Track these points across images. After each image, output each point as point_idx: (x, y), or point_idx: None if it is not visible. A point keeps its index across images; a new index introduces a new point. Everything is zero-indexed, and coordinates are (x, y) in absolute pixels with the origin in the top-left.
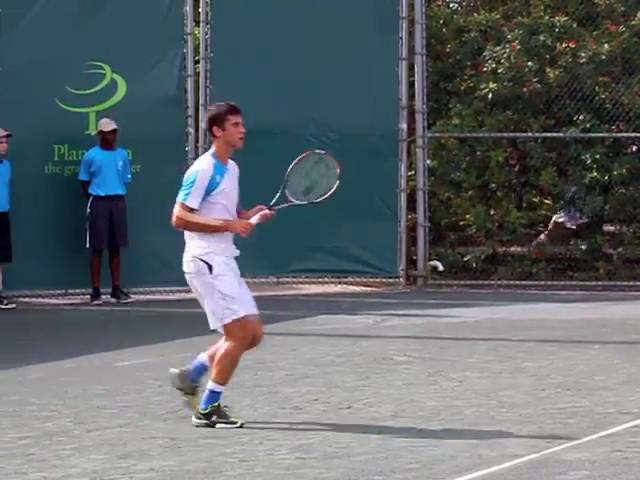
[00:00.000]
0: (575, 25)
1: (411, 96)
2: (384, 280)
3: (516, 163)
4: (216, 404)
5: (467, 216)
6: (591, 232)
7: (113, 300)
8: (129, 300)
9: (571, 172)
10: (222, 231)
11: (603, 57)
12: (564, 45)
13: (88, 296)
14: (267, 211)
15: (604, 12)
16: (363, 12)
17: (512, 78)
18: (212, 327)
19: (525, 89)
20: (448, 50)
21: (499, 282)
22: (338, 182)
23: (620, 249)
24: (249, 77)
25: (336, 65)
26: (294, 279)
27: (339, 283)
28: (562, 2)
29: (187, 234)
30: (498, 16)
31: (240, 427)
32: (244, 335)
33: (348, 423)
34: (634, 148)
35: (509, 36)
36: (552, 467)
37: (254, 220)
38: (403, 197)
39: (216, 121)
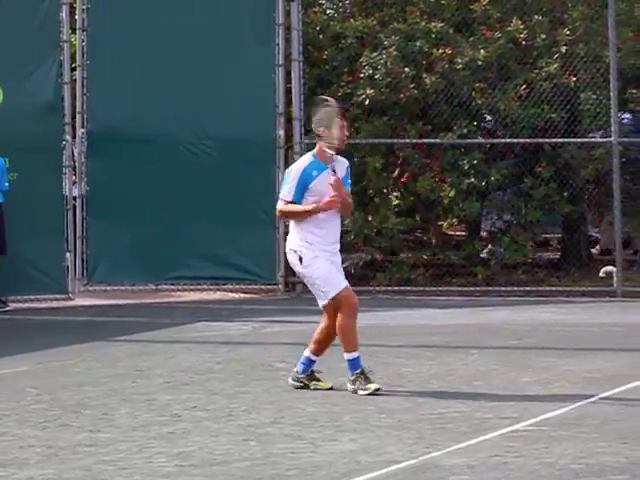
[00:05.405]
0: (451, 31)
1: (288, 103)
2: (263, 287)
3: (394, 169)
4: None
5: (345, 222)
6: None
7: None
8: (7, 309)
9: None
10: (316, 211)
11: (479, 63)
12: (440, 51)
13: None
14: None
15: (480, 18)
16: (240, 19)
17: (389, 84)
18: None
19: (402, 95)
20: (325, 57)
21: (377, 288)
22: None
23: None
24: (126, 84)
25: (213, 72)
26: (172, 286)
27: (218, 290)
28: (438, 8)
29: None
30: (374, 22)
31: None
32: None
33: (227, 430)
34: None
35: (385, 42)
36: (431, 472)
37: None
38: None
39: (323, 122)
